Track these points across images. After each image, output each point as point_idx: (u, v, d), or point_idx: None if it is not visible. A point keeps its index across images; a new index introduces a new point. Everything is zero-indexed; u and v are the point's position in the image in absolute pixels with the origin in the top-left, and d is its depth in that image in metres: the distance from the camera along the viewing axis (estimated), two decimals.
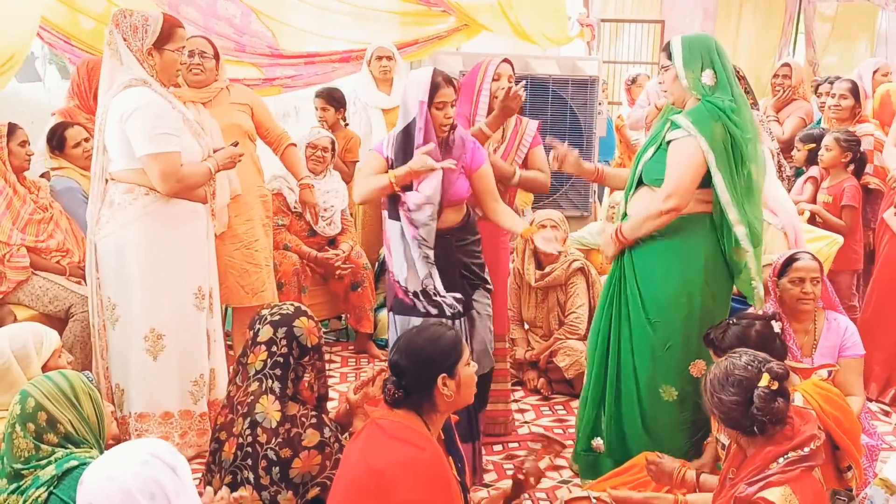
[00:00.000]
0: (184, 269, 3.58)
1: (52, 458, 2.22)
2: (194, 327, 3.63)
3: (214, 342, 3.78)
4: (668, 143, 3.19)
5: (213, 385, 3.77)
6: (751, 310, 3.46)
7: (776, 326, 3.08)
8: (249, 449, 2.64)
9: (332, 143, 5.19)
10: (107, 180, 3.54)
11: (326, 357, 4.96)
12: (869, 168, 4.98)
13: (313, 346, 2.79)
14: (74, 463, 2.20)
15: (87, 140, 4.38)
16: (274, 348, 2.73)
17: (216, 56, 4.18)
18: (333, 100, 5.52)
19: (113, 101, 3.43)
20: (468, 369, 2.45)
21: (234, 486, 2.63)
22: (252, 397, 2.70)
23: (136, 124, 3.37)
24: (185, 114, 3.61)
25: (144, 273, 3.50)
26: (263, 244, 4.37)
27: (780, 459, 2.34)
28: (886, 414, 4.43)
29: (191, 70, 4.11)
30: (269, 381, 2.71)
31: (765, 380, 2.39)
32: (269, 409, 2.66)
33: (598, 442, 3.49)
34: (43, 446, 2.23)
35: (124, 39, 3.44)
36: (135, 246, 3.48)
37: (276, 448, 2.63)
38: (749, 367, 2.44)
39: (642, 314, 3.30)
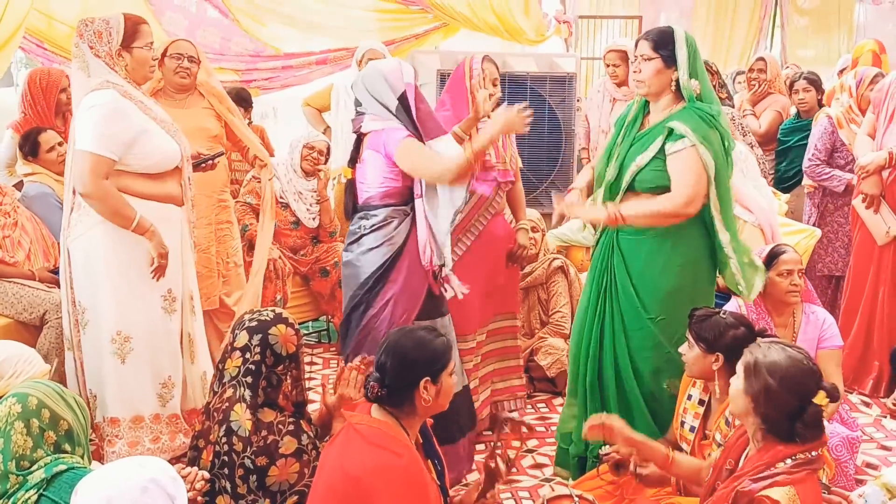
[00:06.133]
0: (151, 272, 3.53)
1: (40, 463, 2.23)
2: (163, 330, 3.59)
3: (195, 345, 3.73)
4: (669, 152, 3.12)
5: (185, 391, 3.73)
6: (735, 301, 3.49)
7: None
8: (226, 458, 2.61)
9: (328, 147, 5.17)
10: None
11: (307, 360, 4.94)
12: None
13: (289, 355, 2.73)
14: (63, 467, 2.23)
15: (60, 144, 4.34)
16: (248, 355, 2.70)
17: (199, 62, 4.16)
18: (241, 99, 5.38)
19: (80, 105, 3.41)
20: (451, 379, 2.48)
21: (211, 494, 2.61)
22: (227, 404, 2.67)
23: (85, 121, 3.35)
24: (159, 114, 3.57)
25: (112, 275, 3.46)
26: (215, 250, 4.32)
27: (788, 460, 2.31)
28: (867, 405, 4.46)
29: (177, 73, 4.09)
30: (241, 389, 2.68)
31: (821, 397, 2.30)
32: (242, 418, 2.63)
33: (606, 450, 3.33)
34: (40, 448, 2.24)
35: (91, 47, 3.42)
36: (102, 248, 3.45)
37: (252, 457, 2.60)
38: (809, 376, 2.32)
39: (643, 314, 3.24)
